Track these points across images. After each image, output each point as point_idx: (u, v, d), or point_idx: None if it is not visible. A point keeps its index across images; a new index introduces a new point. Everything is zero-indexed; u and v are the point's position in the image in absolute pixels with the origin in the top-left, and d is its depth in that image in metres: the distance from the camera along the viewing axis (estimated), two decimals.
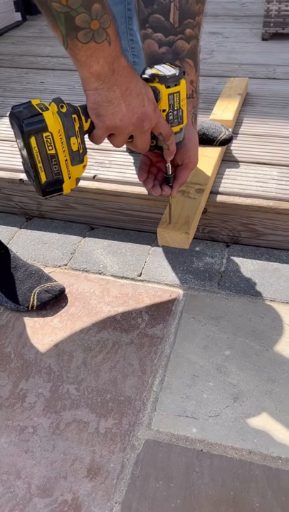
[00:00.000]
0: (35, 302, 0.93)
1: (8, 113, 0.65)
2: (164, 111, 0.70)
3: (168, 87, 0.69)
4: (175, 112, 0.71)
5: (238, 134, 1.28)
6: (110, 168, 1.16)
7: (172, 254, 1.06)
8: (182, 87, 0.70)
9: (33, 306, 0.93)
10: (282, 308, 0.92)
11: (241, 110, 1.39)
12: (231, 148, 1.21)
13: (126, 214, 1.13)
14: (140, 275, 1.02)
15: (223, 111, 1.27)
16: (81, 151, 0.67)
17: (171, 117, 0.72)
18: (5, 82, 1.73)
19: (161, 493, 0.66)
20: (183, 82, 0.70)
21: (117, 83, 0.61)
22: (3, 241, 1.01)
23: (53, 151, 0.64)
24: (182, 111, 0.72)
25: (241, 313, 0.91)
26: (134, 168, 1.15)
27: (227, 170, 1.13)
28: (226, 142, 1.12)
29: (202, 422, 0.74)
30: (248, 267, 1.02)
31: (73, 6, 0.53)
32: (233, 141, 1.22)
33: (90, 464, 0.70)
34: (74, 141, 0.65)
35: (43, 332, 0.90)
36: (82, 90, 1.70)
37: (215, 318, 0.91)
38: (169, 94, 0.69)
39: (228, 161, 1.16)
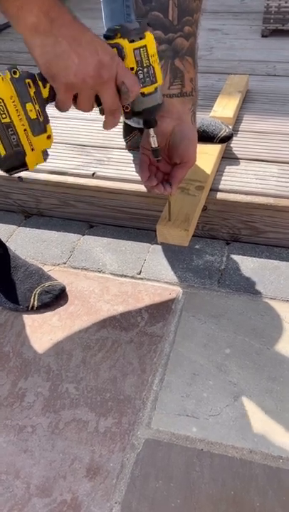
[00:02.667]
0: (35, 303, 0.92)
1: None
2: (131, 69, 0.65)
3: (132, 41, 0.63)
4: (145, 70, 0.66)
5: (238, 131, 1.27)
6: (109, 165, 1.15)
7: (172, 252, 1.06)
8: (149, 40, 0.64)
9: (33, 307, 0.92)
10: (282, 307, 0.91)
11: (241, 107, 1.38)
12: (231, 145, 1.20)
13: (125, 212, 1.12)
14: (140, 273, 1.01)
15: (224, 108, 1.26)
16: (41, 119, 0.62)
17: (141, 76, 0.66)
18: None
19: (161, 492, 0.66)
20: (149, 35, 0.64)
21: (61, 34, 0.55)
22: (2, 239, 1.00)
23: (7, 120, 0.59)
24: (153, 68, 0.67)
25: (241, 311, 0.91)
26: (133, 165, 1.14)
27: (227, 167, 1.12)
28: (226, 139, 1.11)
29: (202, 421, 0.74)
30: (248, 264, 1.01)
31: None
32: (234, 138, 1.22)
33: (90, 464, 0.69)
34: (30, 108, 0.60)
35: (42, 331, 0.89)
36: None
37: (215, 316, 0.90)
38: (134, 49, 0.64)
39: (228, 158, 1.15)
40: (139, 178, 1.09)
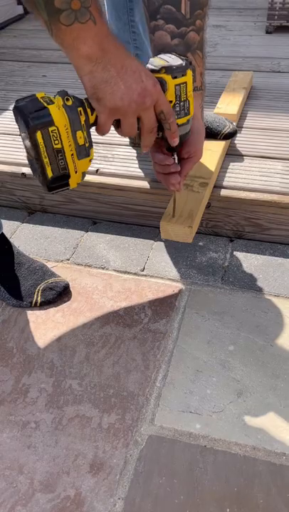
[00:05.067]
0: (39, 299, 0.92)
1: (12, 107, 0.63)
2: (170, 102, 0.69)
3: (174, 77, 0.67)
4: (182, 103, 0.70)
5: (242, 127, 1.26)
6: (113, 162, 1.15)
7: (175, 249, 1.05)
8: (189, 77, 0.69)
9: (36, 303, 0.93)
10: (286, 304, 0.91)
11: (246, 104, 1.37)
12: (235, 142, 1.19)
13: (129, 208, 1.12)
14: (143, 270, 1.01)
15: (228, 105, 1.26)
16: (87, 145, 0.66)
17: (177, 108, 0.70)
18: (7, 75, 1.71)
19: (164, 489, 0.66)
20: (189, 72, 0.69)
21: (110, 62, 0.59)
22: (5, 236, 1.00)
23: (59, 146, 0.62)
24: (189, 102, 0.71)
25: (245, 308, 0.91)
26: (136, 162, 1.14)
27: (231, 164, 1.11)
28: (230, 136, 1.11)
29: (206, 417, 0.73)
30: (252, 261, 1.01)
31: None
32: (238, 134, 1.21)
33: (93, 460, 0.70)
34: (80, 135, 0.64)
35: (46, 327, 0.89)
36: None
37: (218, 313, 0.90)
38: (175, 85, 0.68)
39: (232, 154, 1.15)
40: (142, 174, 1.10)
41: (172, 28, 0.75)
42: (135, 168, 1.12)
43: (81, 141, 0.65)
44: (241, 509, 0.63)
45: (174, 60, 0.68)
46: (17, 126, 0.65)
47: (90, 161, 0.68)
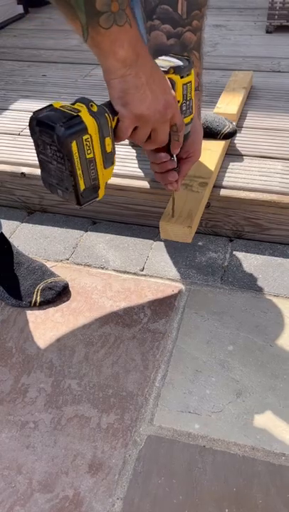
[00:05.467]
0: (38, 299, 0.92)
1: (30, 120, 0.59)
2: (178, 102, 0.69)
3: (182, 77, 0.67)
4: (188, 103, 0.70)
5: (242, 127, 1.26)
6: None
7: (175, 249, 1.05)
8: (192, 76, 0.69)
9: (35, 303, 0.92)
10: (285, 304, 0.91)
11: (246, 103, 1.37)
12: (235, 141, 1.19)
13: (128, 208, 1.12)
14: (142, 270, 1.01)
15: (227, 104, 1.26)
16: (113, 152, 0.63)
17: (184, 108, 0.70)
18: (7, 75, 1.71)
19: (163, 489, 0.66)
20: (192, 71, 0.69)
21: (142, 69, 0.59)
22: (5, 235, 1.00)
23: (92, 155, 0.59)
24: (192, 101, 0.71)
25: (244, 308, 0.91)
26: (136, 161, 1.14)
27: (231, 164, 1.11)
28: (230, 136, 1.11)
29: (205, 417, 0.73)
30: (252, 261, 1.01)
31: None
32: (237, 134, 1.21)
33: (92, 460, 0.69)
34: (108, 142, 0.61)
35: (45, 327, 0.89)
36: (84, 84, 1.69)
37: (218, 313, 0.90)
38: (183, 85, 0.68)
39: (231, 154, 1.15)
40: (142, 174, 1.10)
41: (168, 28, 0.75)
42: (135, 168, 1.12)
43: (109, 149, 0.62)
44: (240, 509, 0.63)
45: (178, 60, 0.68)
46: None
47: (112, 169, 0.66)
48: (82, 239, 1.10)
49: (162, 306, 0.92)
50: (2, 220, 1.07)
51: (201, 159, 1.05)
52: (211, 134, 1.10)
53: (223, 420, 0.73)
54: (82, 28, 0.54)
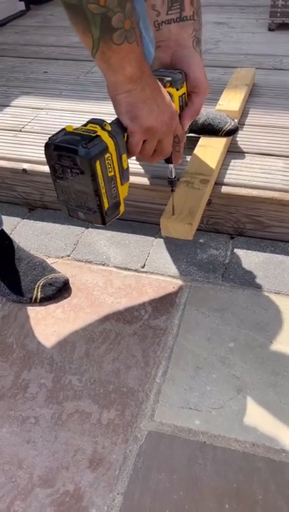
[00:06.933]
0: (39, 295, 0.92)
1: (46, 146, 0.60)
2: None
3: (178, 89, 0.69)
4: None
5: (244, 124, 1.26)
6: None
7: (176, 246, 1.05)
8: (185, 87, 0.72)
9: (36, 299, 0.92)
10: (286, 301, 0.91)
11: (247, 101, 1.37)
12: (237, 139, 1.19)
13: (129, 205, 1.11)
14: (143, 267, 1.01)
15: (229, 101, 1.25)
16: (128, 168, 0.65)
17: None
18: (8, 71, 1.71)
19: (163, 484, 0.66)
20: (184, 84, 0.72)
21: (147, 83, 0.61)
22: (6, 232, 1.00)
23: (112, 173, 0.61)
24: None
25: (245, 305, 0.91)
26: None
27: (232, 161, 1.11)
28: (232, 133, 1.11)
29: (205, 414, 0.73)
30: (253, 259, 1.01)
31: (111, 5, 0.51)
32: (239, 131, 1.21)
33: (92, 455, 0.70)
34: (124, 159, 0.63)
35: (46, 323, 0.89)
36: (86, 80, 1.68)
37: (219, 310, 0.90)
38: (179, 97, 0.70)
39: (233, 151, 1.15)
40: (143, 171, 1.10)
41: None
42: (135, 165, 1.11)
43: (125, 165, 0.64)
44: (240, 505, 0.64)
45: (171, 73, 0.70)
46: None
47: (128, 184, 0.67)
48: (83, 235, 1.10)
49: (163, 303, 0.92)
50: (3, 217, 1.07)
51: (202, 156, 1.05)
52: (212, 131, 1.10)
53: (223, 416, 0.73)
54: (93, 42, 0.55)
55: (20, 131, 1.29)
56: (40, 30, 2.17)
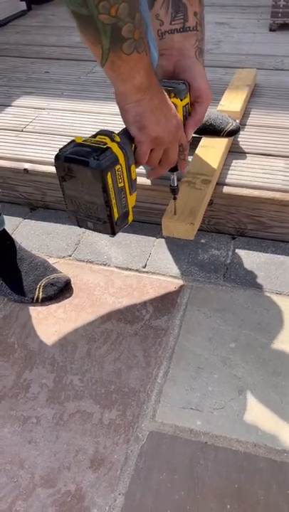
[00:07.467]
0: (40, 295, 0.92)
1: (56, 158, 0.61)
2: None
3: (181, 99, 0.70)
4: None
5: (245, 125, 1.26)
6: None
7: (177, 246, 1.05)
8: (188, 98, 0.72)
9: (38, 299, 0.92)
10: (287, 301, 0.91)
11: (249, 101, 1.37)
12: (238, 139, 1.19)
13: None
14: (145, 267, 1.01)
15: (231, 102, 1.25)
16: (136, 179, 0.66)
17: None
18: (10, 71, 1.71)
19: (165, 484, 0.66)
20: (188, 94, 0.72)
21: (155, 93, 0.61)
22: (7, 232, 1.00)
23: (122, 184, 0.62)
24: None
25: (247, 305, 0.91)
26: None
27: (234, 161, 1.11)
28: (233, 133, 1.11)
29: (207, 414, 0.74)
30: (254, 259, 1.01)
31: (122, 16, 0.51)
32: (241, 132, 1.21)
33: (94, 455, 0.70)
34: (133, 169, 0.64)
35: (47, 323, 0.90)
36: (87, 80, 1.68)
37: (220, 310, 0.90)
38: (183, 107, 0.71)
39: (235, 152, 1.15)
40: (144, 171, 1.10)
41: None
42: None
43: (134, 175, 0.65)
44: (242, 505, 0.64)
45: (174, 84, 0.71)
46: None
47: (136, 194, 0.68)
48: (85, 235, 1.10)
49: (164, 303, 0.92)
50: (5, 216, 1.07)
51: (204, 157, 1.05)
52: (214, 131, 1.10)
53: (225, 417, 0.73)
54: (103, 53, 0.55)
55: (22, 131, 1.29)
56: (41, 30, 2.17)
